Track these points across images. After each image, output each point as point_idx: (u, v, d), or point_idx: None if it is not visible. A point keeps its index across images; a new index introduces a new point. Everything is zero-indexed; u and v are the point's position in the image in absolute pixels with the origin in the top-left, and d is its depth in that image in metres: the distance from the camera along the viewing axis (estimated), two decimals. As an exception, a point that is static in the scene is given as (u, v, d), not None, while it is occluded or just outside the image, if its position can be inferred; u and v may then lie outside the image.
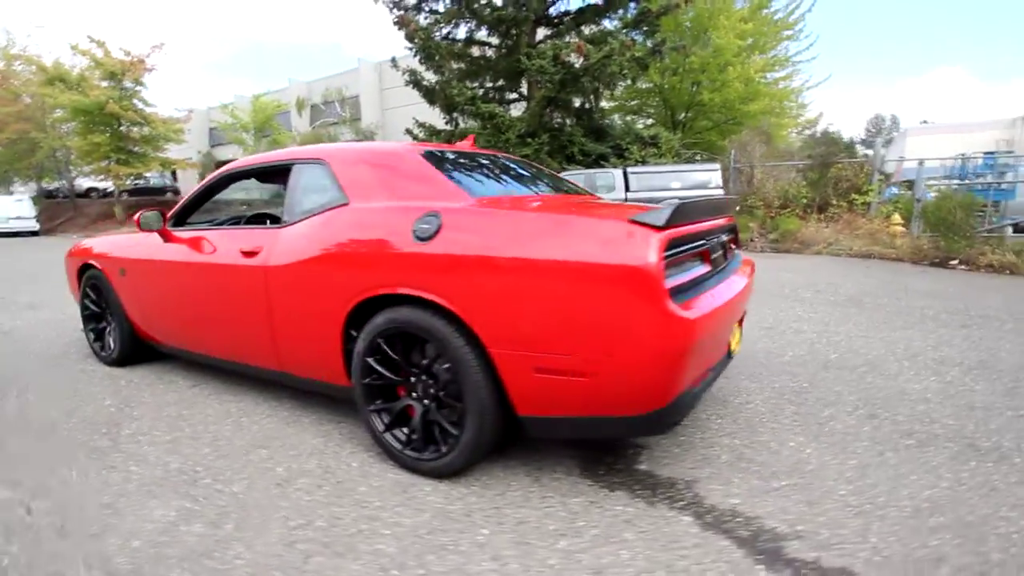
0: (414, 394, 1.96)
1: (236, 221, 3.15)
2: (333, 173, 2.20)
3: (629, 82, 14.20)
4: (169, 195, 24.94)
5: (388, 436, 1.99)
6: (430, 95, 14.53)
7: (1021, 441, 2.13)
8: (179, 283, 2.68)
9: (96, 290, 3.37)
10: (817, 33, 27.73)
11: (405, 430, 1.98)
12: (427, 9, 14.78)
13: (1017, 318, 4.11)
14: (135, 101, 18.50)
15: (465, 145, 2.74)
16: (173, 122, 20.06)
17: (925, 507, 1.71)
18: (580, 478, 1.91)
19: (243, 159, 2.75)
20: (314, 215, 2.19)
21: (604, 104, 15.83)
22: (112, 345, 3.32)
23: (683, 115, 17.45)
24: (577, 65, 12.09)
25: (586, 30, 14.46)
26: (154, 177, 22.99)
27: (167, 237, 2.74)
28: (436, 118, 15.13)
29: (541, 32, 14.71)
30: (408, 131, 14.76)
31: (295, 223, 2.24)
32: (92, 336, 3.46)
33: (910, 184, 11.81)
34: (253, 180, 2.94)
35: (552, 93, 12.62)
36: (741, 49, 15.01)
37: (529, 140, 12.97)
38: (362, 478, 1.94)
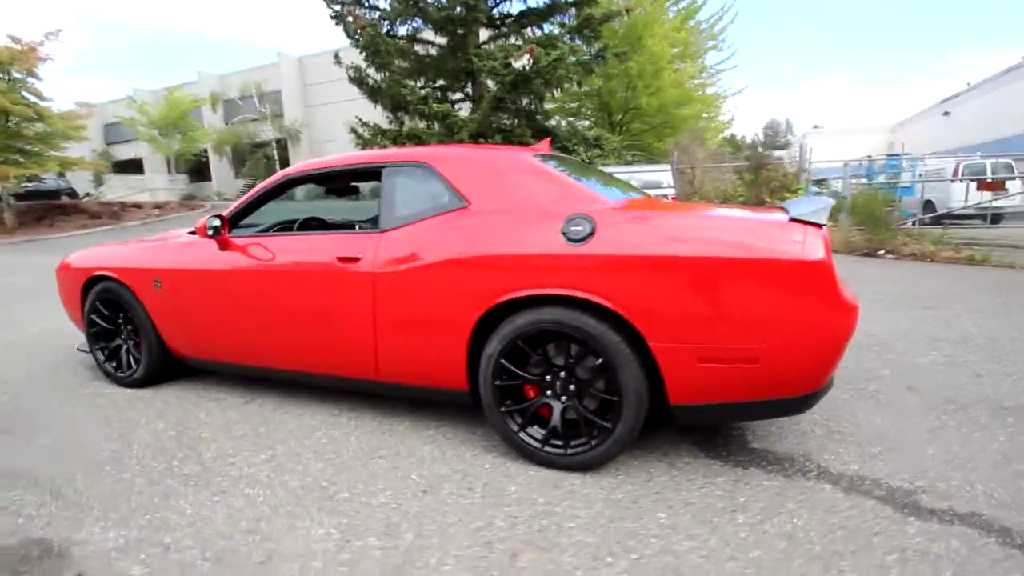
0: (548, 392, 2.02)
1: (286, 227, 2.98)
2: (442, 176, 2.19)
3: (575, 85, 14.60)
4: (65, 198, 22.28)
5: (523, 435, 2.03)
6: (374, 93, 14.17)
7: (1033, 399, 2.55)
8: (247, 293, 2.52)
9: (110, 305, 3.06)
10: (737, 44, 30.21)
11: (539, 428, 2.03)
12: (367, 5, 14.39)
13: (964, 300, 4.78)
14: (26, 94, 16.36)
15: (544, 147, 2.80)
16: (72, 117, 17.97)
17: (1000, 458, 2.02)
18: (709, 460, 2.06)
19: (311, 161, 2.62)
20: (425, 219, 2.17)
21: (547, 106, 16.22)
22: (133, 364, 3.03)
23: (620, 117, 18.23)
24: (528, 67, 12.29)
25: (528, 33, 14.73)
26: (49, 179, 20.44)
27: (227, 245, 2.56)
28: (376, 116, 14.76)
29: (484, 33, 14.80)
30: (353, 130, 14.27)
31: (400, 227, 2.20)
32: (103, 356, 3.13)
33: (820, 182, 13.21)
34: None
35: (503, 94, 12.75)
36: (674, 57, 15.97)
37: (482, 140, 13.00)
38: (506, 478, 1.97)
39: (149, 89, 29.44)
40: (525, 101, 14.28)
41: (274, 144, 30.65)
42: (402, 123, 14.73)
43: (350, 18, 12.35)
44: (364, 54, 13.15)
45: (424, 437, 2.33)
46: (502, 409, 2.05)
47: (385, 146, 13.41)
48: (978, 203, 9.84)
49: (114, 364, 3.11)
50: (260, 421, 2.55)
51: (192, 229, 2.87)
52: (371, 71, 14.04)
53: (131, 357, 3.05)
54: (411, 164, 2.31)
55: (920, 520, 1.65)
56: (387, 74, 13.62)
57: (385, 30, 14.17)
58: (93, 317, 3.10)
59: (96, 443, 2.40)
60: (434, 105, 12.57)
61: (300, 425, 2.49)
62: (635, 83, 16.62)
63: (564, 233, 1.87)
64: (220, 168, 31.56)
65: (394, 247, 2.17)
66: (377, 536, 1.66)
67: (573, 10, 14.18)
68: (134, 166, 31.61)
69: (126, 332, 3.08)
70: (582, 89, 17.73)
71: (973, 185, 10.71)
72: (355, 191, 3.19)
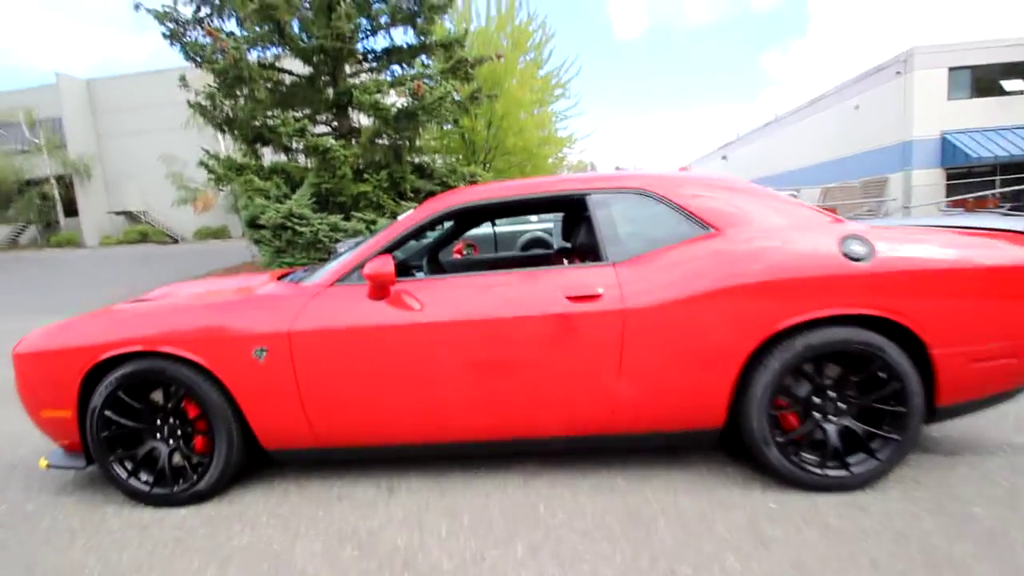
0: (818, 414, 2.01)
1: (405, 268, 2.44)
2: (673, 203, 2.08)
3: (452, 124, 14.82)
4: None
5: (804, 463, 1.98)
6: (228, 124, 12.60)
7: None
8: (435, 350, 2.00)
9: (139, 395, 2.17)
10: (582, 93, 34.63)
11: (810, 454, 2.01)
12: (213, 26, 12.78)
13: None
14: None
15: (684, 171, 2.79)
16: None
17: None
18: (940, 455, 2.24)
19: (475, 188, 2.22)
20: (669, 248, 2.02)
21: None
22: (191, 471, 2.18)
23: (483, 156, 18.90)
24: (412, 103, 12.12)
25: (399, 70, 14.64)
26: None
27: (388, 292, 2.03)
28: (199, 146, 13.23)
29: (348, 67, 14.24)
30: (203, 163, 12.31)
31: (638, 258, 2.01)
32: (125, 470, 2.19)
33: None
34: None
35: (384, 129, 12.34)
36: (531, 101, 17.23)
37: (367, 177, 12.35)
38: (807, 510, 1.89)
39: None
40: (397, 137, 14.02)
41: (54, 181, 24.86)
42: (259, 156, 13.32)
43: (208, 39, 10.78)
44: (219, 80, 11.55)
45: (656, 488, 2.10)
46: (778, 440, 1.98)
47: (249, 181, 11.91)
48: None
49: (147, 478, 2.20)
50: (444, 511, 2.03)
51: (306, 276, 2.22)
52: (221, 99, 12.43)
53: (187, 462, 2.19)
54: (625, 191, 2.14)
55: None
56: (246, 103, 12.17)
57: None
58: (109, 415, 2.15)
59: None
60: (313, 138, 11.55)
61: (507, 505, 2.05)
62: (499, 123, 17.45)
63: (845, 254, 1.92)
64: (-33, 212, 24.49)
65: (643, 279, 1.97)
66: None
67: (442, 50, 14.47)
68: None
69: (168, 429, 2.21)
70: (446, 128, 18.11)
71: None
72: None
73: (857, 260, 1.91)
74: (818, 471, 1.98)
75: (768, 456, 1.99)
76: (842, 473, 1.97)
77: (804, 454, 2.01)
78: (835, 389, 2.00)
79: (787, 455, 1.98)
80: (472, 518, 1.98)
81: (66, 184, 25.11)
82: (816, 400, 2.01)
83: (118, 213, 25.99)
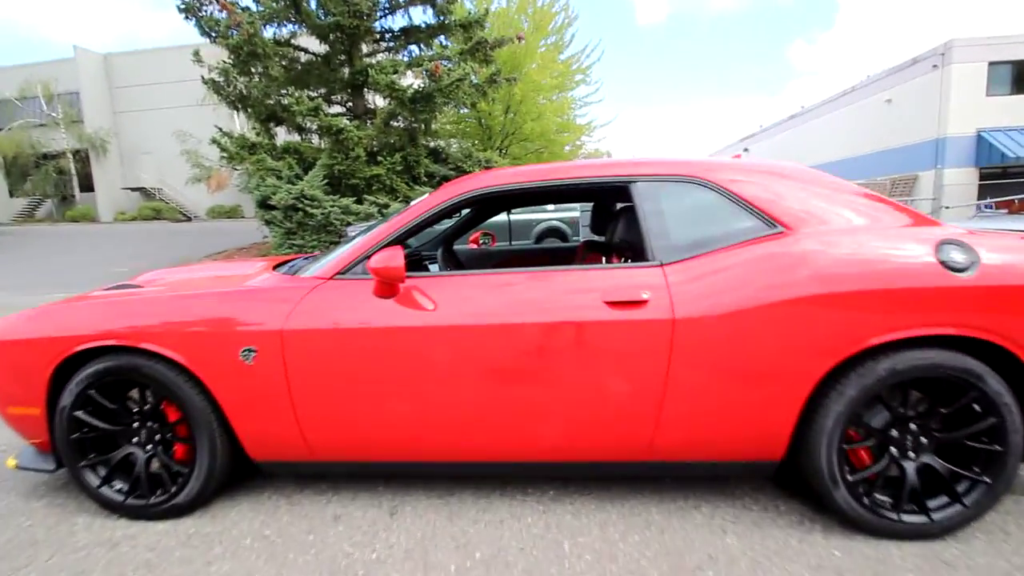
0: (892, 449, 1.71)
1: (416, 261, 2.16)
2: (735, 195, 1.77)
3: (470, 107, 14.45)
4: None
5: (868, 503, 1.69)
6: (241, 101, 12.36)
7: None
8: (451, 358, 1.72)
9: (113, 394, 1.93)
10: (602, 79, 33.82)
11: (882, 495, 1.71)
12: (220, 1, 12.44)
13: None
14: None
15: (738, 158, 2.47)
16: None
17: None
18: None
19: (501, 171, 1.92)
20: (729, 247, 1.71)
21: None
22: (169, 482, 1.94)
23: (500, 141, 18.50)
24: (428, 85, 11.77)
25: (416, 50, 14.28)
26: None
27: (396, 289, 1.75)
28: (218, 124, 13.07)
29: (364, 47, 13.89)
30: (215, 141, 12.11)
31: (692, 259, 1.71)
32: (97, 476, 1.96)
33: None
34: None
35: (399, 110, 12.00)
36: (551, 86, 16.75)
37: (381, 159, 12.07)
38: (881, 557, 1.59)
39: None
40: (413, 120, 13.66)
41: (71, 155, 24.89)
42: (272, 136, 13.11)
43: (223, 13, 10.49)
44: (234, 56, 11.27)
45: (699, 525, 1.82)
46: (850, 479, 1.68)
47: (261, 161, 11.67)
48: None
49: (122, 487, 1.96)
50: (453, 542, 1.77)
51: (304, 266, 1.97)
52: (235, 76, 12.16)
53: (166, 471, 1.94)
54: (677, 179, 1.82)
55: None
56: (260, 80, 11.89)
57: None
58: (81, 415, 1.91)
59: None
60: (326, 118, 11.25)
61: (526, 538, 1.78)
62: (517, 108, 17.02)
63: (944, 262, 1.60)
64: (-16, 185, 24.63)
65: (697, 284, 1.67)
66: None
67: (461, 31, 14.04)
68: None
69: (145, 433, 1.97)
70: (463, 112, 17.69)
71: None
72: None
73: (959, 271, 1.59)
74: (893, 516, 1.68)
75: (835, 496, 1.69)
76: (921, 519, 1.68)
77: (876, 495, 1.71)
78: (917, 421, 1.70)
79: (857, 496, 1.69)
80: (485, 553, 1.72)
81: (82, 159, 25.13)
82: (894, 433, 1.71)
83: (133, 189, 26.00)
